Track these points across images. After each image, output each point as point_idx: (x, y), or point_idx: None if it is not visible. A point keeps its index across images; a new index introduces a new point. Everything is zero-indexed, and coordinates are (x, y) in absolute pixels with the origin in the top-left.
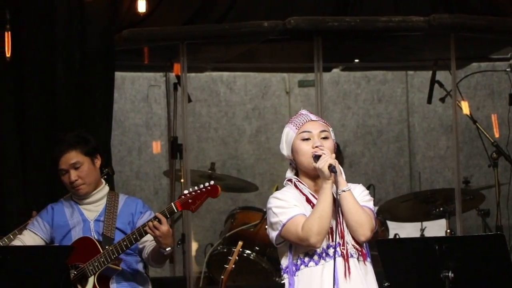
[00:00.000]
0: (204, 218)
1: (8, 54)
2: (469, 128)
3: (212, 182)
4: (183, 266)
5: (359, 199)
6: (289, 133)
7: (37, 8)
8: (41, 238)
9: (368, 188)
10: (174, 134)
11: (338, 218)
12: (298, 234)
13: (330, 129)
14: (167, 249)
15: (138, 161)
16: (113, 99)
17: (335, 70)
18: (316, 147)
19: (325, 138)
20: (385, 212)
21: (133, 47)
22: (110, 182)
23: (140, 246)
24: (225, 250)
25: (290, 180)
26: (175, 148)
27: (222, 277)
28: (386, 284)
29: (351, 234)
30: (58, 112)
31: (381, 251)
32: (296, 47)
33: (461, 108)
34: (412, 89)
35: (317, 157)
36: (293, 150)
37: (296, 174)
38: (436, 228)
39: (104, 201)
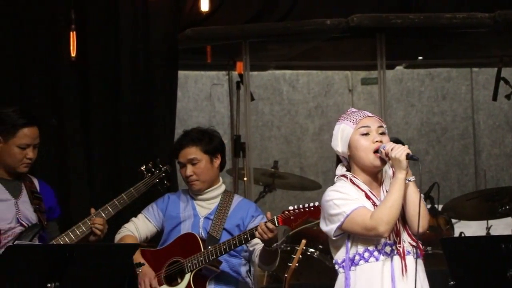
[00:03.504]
0: None
1: (73, 54)
2: None
3: (316, 204)
4: None
5: None
6: (345, 129)
7: (101, 8)
8: (154, 225)
9: (432, 186)
10: (237, 132)
11: None
12: (365, 223)
13: (385, 125)
14: (272, 246)
15: None
16: (177, 98)
17: (398, 68)
18: (377, 141)
19: (383, 133)
20: (450, 210)
21: (196, 46)
22: (169, 180)
23: (251, 248)
24: (289, 249)
25: (344, 176)
26: (238, 147)
27: (286, 275)
28: (451, 283)
29: (409, 227)
30: (122, 111)
31: (446, 249)
32: (359, 44)
33: None
34: (477, 86)
35: (383, 150)
36: (351, 146)
37: (348, 171)
38: (502, 226)
39: (217, 200)
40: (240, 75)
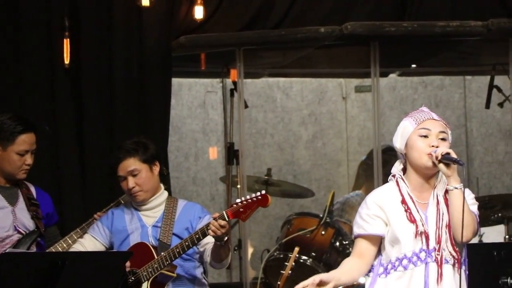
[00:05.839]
0: (261, 223)
1: (66, 61)
2: None
3: (263, 192)
4: (240, 271)
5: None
6: (407, 126)
7: (95, 15)
8: (101, 243)
9: None
10: (231, 140)
11: (438, 222)
12: (352, 255)
13: (449, 132)
14: (224, 240)
15: (195, 167)
16: (170, 105)
17: (392, 75)
18: (433, 146)
19: (443, 139)
20: None
21: (190, 53)
22: (165, 183)
23: (201, 249)
24: (282, 256)
25: (394, 176)
26: (231, 154)
27: (279, 283)
28: None
29: (452, 235)
30: (116, 118)
31: None
32: (353, 52)
33: None
34: (470, 94)
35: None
36: (408, 145)
37: (403, 170)
38: (495, 234)
39: (162, 207)
40: (234, 83)
